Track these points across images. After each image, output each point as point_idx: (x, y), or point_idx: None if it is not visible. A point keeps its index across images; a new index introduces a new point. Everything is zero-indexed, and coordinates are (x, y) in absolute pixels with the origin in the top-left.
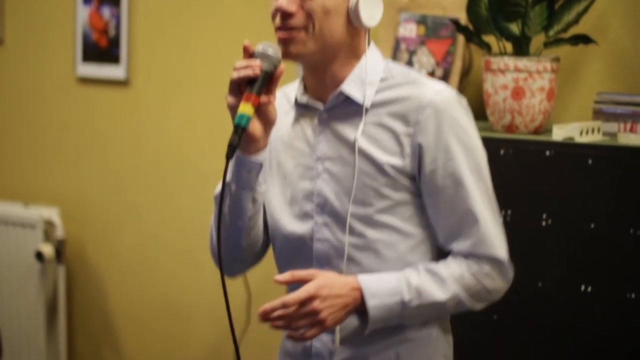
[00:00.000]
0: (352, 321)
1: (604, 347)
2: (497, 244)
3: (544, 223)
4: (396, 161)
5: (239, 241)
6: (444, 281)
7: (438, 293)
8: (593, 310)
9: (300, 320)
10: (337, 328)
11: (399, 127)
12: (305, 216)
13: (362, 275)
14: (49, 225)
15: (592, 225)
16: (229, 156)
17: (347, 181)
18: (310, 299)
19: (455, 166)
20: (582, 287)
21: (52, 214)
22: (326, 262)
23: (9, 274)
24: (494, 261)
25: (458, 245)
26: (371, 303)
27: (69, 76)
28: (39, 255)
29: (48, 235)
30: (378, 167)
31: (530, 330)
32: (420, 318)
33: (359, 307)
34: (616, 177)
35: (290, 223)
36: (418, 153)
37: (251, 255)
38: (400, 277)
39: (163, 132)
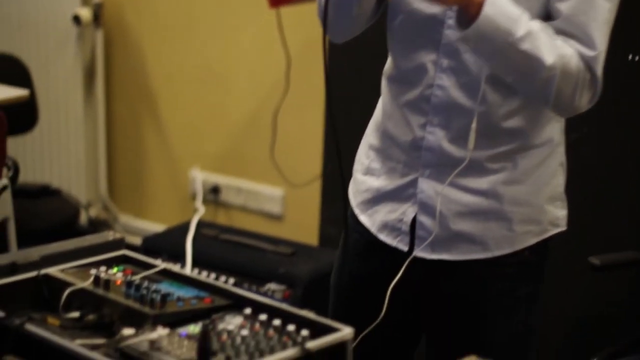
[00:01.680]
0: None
1: None
2: (601, 59)
3: None
4: None
5: (350, 9)
6: (555, 48)
7: (546, 53)
8: None
9: None
10: (473, 127)
11: None
12: None
13: None
14: None
15: None
16: None
17: None
18: None
19: None
20: None
21: None
22: (454, 54)
23: (46, 39)
24: (593, 71)
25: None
26: (489, 11)
27: None
28: (76, 19)
29: None
30: None
31: None
32: (511, 69)
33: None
34: None
35: None
36: None
37: (359, 24)
38: (524, 15)
39: None
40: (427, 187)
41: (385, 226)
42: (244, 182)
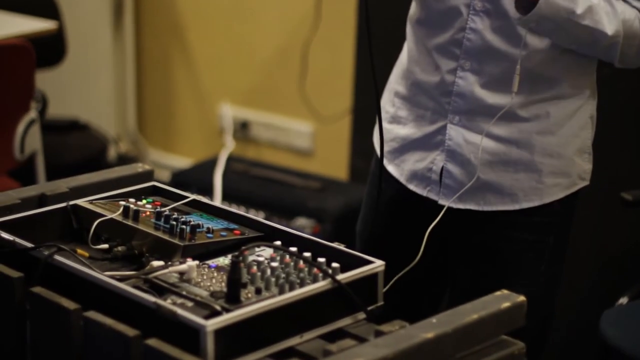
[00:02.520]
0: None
1: None
2: None
3: None
4: None
5: None
6: (616, 15)
7: (607, 24)
8: None
9: None
10: (517, 68)
11: None
12: None
13: None
14: None
15: None
16: None
17: None
18: None
19: None
20: None
21: None
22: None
23: None
24: None
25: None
26: None
27: None
28: None
29: None
30: None
31: None
32: (572, 40)
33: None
34: None
35: None
36: None
37: None
38: None
39: None
40: (456, 134)
41: (415, 176)
42: (274, 117)
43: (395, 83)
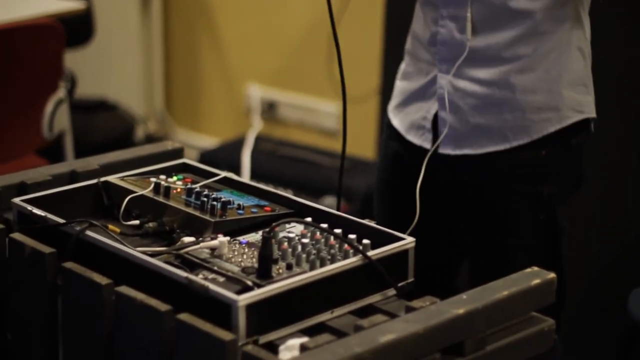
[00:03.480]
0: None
1: None
2: None
3: None
4: None
5: None
6: None
7: None
8: None
9: None
10: (468, 16)
11: None
12: None
13: None
14: None
15: None
16: None
17: None
18: None
19: None
20: None
21: None
22: None
23: None
24: None
25: None
26: None
27: None
28: None
29: None
30: None
31: None
32: None
33: None
34: None
35: None
36: None
37: None
38: None
39: None
40: (445, 82)
41: (412, 126)
42: (301, 98)
43: (407, 43)
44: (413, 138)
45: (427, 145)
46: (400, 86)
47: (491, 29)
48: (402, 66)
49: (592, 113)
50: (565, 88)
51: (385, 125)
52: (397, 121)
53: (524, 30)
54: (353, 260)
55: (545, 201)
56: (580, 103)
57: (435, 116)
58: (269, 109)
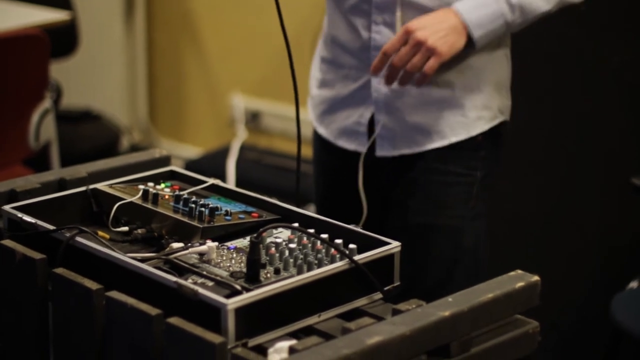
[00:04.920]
0: None
1: None
2: None
3: None
4: None
5: None
6: None
7: (542, 5)
8: None
9: (411, 58)
10: (398, 17)
11: None
12: None
13: (457, 4)
14: None
15: None
16: None
17: None
18: (408, 33)
19: None
20: None
21: None
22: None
23: None
24: None
25: None
26: (477, 34)
27: None
28: None
29: None
30: None
31: None
32: (524, 26)
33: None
34: None
35: None
36: None
37: None
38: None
39: None
40: (381, 85)
41: (343, 132)
42: (285, 107)
43: (320, 51)
44: (345, 144)
45: (361, 148)
46: (321, 94)
47: None
48: (318, 75)
49: (508, 117)
50: (494, 89)
51: (313, 133)
52: (323, 129)
53: (449, 63)
54: (340, 265)
55: (478, 187)
56: (505, 105)
57: (371, 120)
58: (253, 119)
